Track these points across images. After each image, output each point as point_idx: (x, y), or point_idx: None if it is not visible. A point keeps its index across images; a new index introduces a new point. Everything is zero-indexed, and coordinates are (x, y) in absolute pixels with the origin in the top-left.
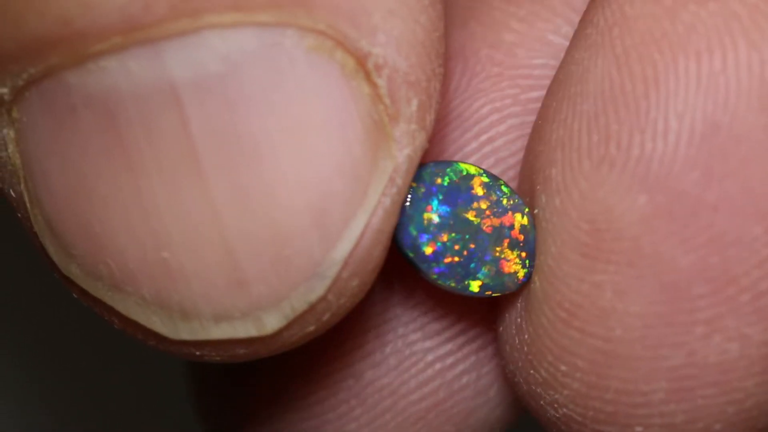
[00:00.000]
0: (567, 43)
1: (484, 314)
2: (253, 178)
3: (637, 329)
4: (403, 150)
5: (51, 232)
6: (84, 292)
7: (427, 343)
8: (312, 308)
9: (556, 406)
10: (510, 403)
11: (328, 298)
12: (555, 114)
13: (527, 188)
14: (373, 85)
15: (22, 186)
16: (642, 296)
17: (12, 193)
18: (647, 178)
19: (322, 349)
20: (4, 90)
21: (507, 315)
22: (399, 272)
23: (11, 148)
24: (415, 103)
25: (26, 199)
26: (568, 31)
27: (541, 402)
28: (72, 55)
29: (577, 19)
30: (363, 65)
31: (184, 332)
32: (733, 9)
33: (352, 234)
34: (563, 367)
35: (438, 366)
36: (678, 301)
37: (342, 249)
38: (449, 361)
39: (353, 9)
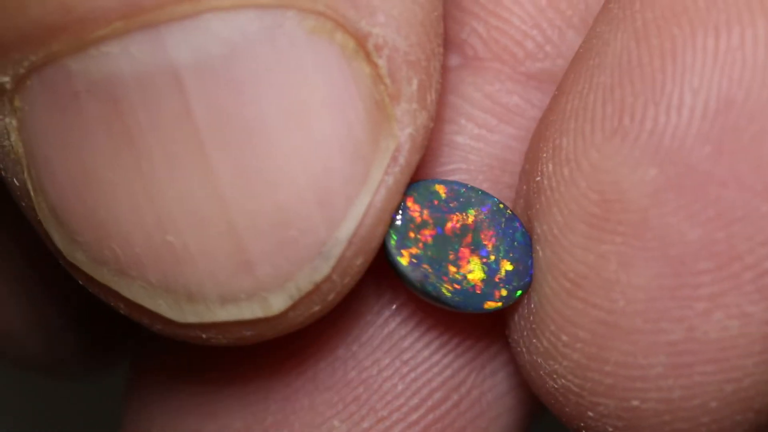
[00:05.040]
0: (472, 143)
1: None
2: (256, 160)
3: (640, 302)
4: (405, 129)
5: (56, 220)
6: (90, 279)
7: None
8: (317, 288)
9: (555, 376)
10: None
11: (332, 278)
12: (572, 85)
13: (532, 156)
14: (374, 65)
15: (26, 174)
16: (646, 268)
17: (15, 182)
18: (659, 151)
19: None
20: (6, 79)
21: None
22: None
23: (14, 136)
24: (415, 82)
25: (30, 187)
26: (472, 128)
27: (541, 372)
28: (73, 42)
29: (477, 113)
30: (363, 46)
31: (190, 315)
32: None
33: (356, 213)
34: (564, 338)
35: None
36: (682, 275)
37: (347, 228)
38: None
39: None
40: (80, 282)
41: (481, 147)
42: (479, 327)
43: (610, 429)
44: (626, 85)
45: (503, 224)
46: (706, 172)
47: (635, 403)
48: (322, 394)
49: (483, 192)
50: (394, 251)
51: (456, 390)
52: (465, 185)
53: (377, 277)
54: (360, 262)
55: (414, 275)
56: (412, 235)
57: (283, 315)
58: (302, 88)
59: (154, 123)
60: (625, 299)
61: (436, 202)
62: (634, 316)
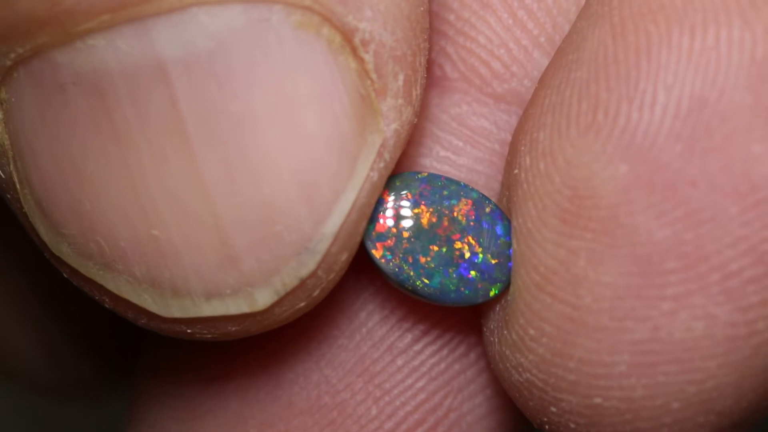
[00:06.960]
0: (438, 165)
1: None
2: (242, 154)
3: (606, 299)
4: (390, 124)
5: (41, 212)
6: (75, 272)
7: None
8: (302, 284)
9: (520, 369)
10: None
11: (318, 274)
12: (550, 79)
13: (512, 148)
14: (360, 60)
15: (11, 166)
16: (614, 266)
17: (1, 174)
18: (630, 148)
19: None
20: None
21: None
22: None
23: (0, 128)
24: (401, 77)
25: (15, 179)
26: (438, 150)
27: (508, 364)
28: (60, 34)
29: (443, 135)
30: (350, 40)
31: (175, 310)
32: None
33: (342, 209)
34: (532, 331)
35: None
36: (649, 274)
37: (332, 224)
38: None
39: None
40: (65, 275)
41: (447, 170)
42: (454, 349)
43: (572, 425)
44: (601, 81)
45: (484, 216)
46: (677, 171)
47: (598, 400)
48: (297, 418)
49: (463, 184)
50: (368, 244)
51: (432, 413)
52: (442, 177)
53: (352, 297)
54: (345, 258)
55: (388, 268)
56: (387, 227)
57: (268, 310)
58: (288, 82)
59: (140, 116)
60: (592, 296)
61: (410, 195)
62: (600, 313)
